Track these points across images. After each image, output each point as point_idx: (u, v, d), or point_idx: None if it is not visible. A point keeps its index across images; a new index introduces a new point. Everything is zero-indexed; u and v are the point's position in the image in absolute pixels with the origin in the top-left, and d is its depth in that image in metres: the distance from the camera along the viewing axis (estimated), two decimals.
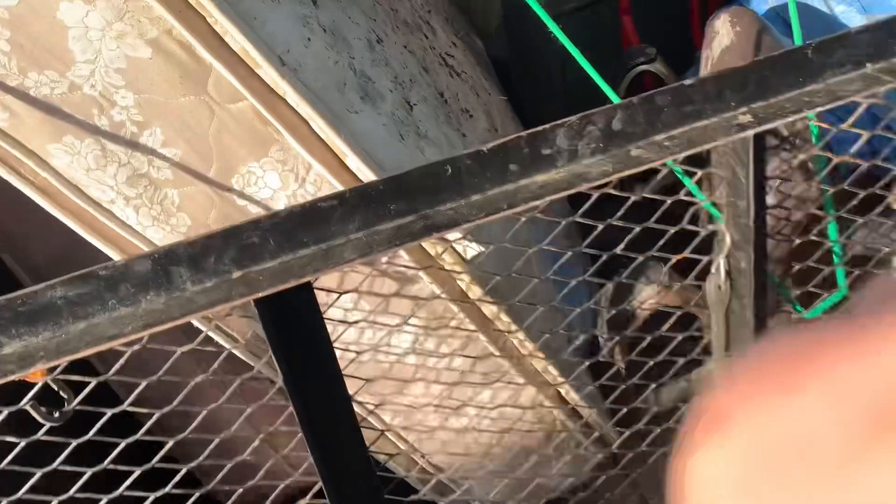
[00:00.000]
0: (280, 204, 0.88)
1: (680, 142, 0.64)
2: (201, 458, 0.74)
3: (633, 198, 0.75)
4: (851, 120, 0.77)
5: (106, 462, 0.67)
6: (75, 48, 0.76)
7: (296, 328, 0.61)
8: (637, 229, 0.76)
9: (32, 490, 0.66)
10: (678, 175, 0.91)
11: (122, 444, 0.68)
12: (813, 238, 0.90)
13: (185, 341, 0.68)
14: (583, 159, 0.63)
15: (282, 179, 0.86)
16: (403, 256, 0.87)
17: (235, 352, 0.84)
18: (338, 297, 0.75)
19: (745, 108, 0.64)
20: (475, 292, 0.91)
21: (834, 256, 0.98)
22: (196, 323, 0.80)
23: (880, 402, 0.16)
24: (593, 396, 1.08)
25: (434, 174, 0.60)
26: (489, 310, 0.93)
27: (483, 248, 0.88)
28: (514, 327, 0.95)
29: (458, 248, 0.89)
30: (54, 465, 0.66)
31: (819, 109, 0.63)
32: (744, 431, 0.18)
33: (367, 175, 0.87)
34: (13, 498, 0.66)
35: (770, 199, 0.90)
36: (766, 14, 1.36)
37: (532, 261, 0.97)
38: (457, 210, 0.60)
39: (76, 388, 0.66)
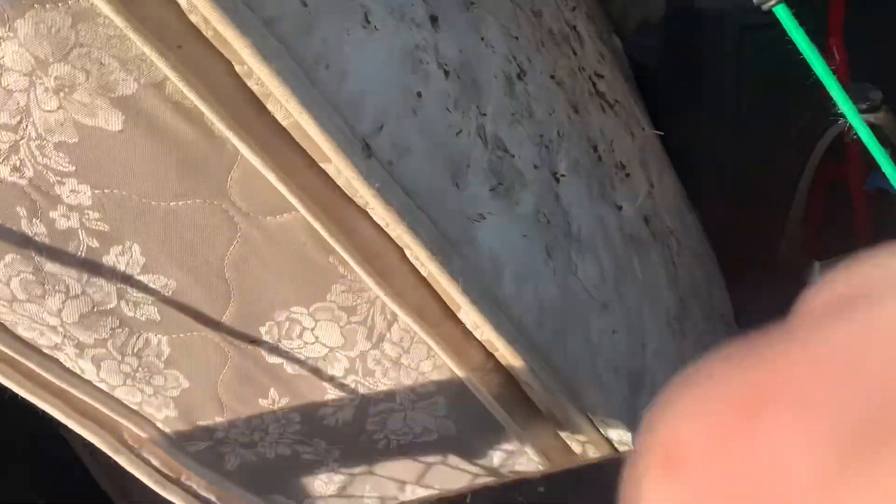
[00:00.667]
0: (338, 367, 0.52)
1: None
2: None
3: None
4: None
5: None
6: None
7: None
8: None
9: None
10: None
11: None
12: None
13: None
14: None
15: (345, 335, 0.50)
16: None
17: None
18: None
19: None
20: None
21: None
22: None
23: (853, 418, 0.14)
24: None
25: None
26: None
27: None
28: None
29: None
30: None
31: None
32: (699, 471, 0.15)
33: (495, 341, 0.50)
34: None
35: None
36: None
37: None
38: None
39: None
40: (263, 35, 0.39)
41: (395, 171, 0.45)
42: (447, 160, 0.50)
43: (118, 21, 0.37)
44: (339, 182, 0.44)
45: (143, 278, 0.46)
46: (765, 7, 0.52)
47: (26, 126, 0.40)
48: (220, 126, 0.40)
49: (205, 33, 0.39)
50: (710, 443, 0.15)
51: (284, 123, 0.42)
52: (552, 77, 0.75)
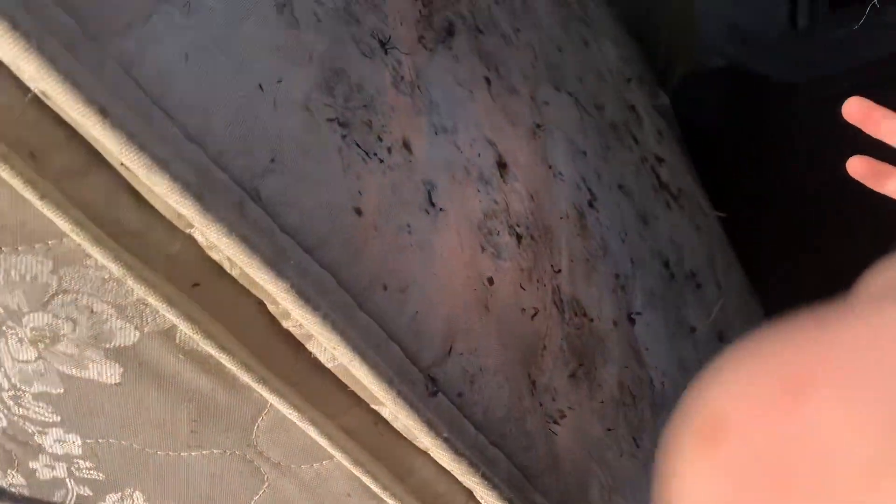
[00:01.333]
0: None
1: None
2: None
3: None
4: None
5: None
6: None
7: None
8: None
9: None
10: None
11: None
12: None
13: None
14: None
15: None
16: None
17: None
18: None
19: None
20: None
21: None
22: None
23: None
24: None
25: None
26: None
27: None
28: None
29: None
30: None
31: None
32: (741, 443, 0.15)
33: None
34: None
35: None
36: None
37: None
38: None
39: None
40: (306, 270, 0.29)
41: (466, 402, 0.35)
42: (524, 356, 0.41)
43: (115, 269, 0.27)
44: (397, 426, 0.34)
45: None
46: None
47: None
48: (245, 378, 0.31)
49: (229, 271, 0.29)
50: (754, 416, 0.15)
51: (329, 366, 0.32)
52: (620, 188, 0.65)
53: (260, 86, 0.30)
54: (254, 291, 0.30)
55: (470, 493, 0.39)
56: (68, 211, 0.26)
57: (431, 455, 0.36)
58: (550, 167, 0.53)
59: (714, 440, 0.15)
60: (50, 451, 0.34)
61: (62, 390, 0.32)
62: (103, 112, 0.25)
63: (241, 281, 0.30)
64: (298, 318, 0.30)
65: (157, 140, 0.26)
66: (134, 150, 0.25)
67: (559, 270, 0.48)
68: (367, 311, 0.32)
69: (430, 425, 0.33)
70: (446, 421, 0.34)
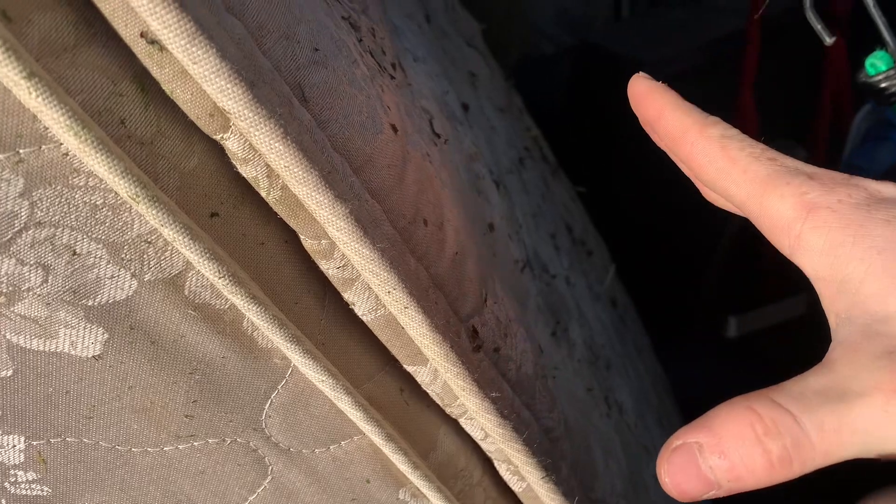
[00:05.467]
0: None
1: None
2: None
3: None
4: None
5: None
6: None
7: None
8: None
9: None
10: None
11: None
12: None
13: None
14: None
15: None
16: None
17: None
18: None
19: None
20: None
21: None
22: None
23: None
24: None
25: None
26: None
27: None
28: None
29: None
30: None
31: None
32: None
33: None
34: None
35: None
36: None
37: None
38: None
39: None
40: (360, 195, 0.23)
41: (501, 358, 0.30)
42: (523, 311, 0.36)
43: (124, 188, 0.20)
44: (432, 389, 0.29)
45: None
46: (884, 103, 0.42)
47: None
48: (273, 335, 0.24)
49: (264, 194, 0.22)
50: None
51: (368, 318, 0.26)
52: (527, 149, 0.63)
53: None
54: (291, 222, 0.23)
55: (485, 467, 0.34)
56: (64, 99, 0.18)
57: (462, 423, 0.31)
58: (489, 119, 0.49)
59: None
60: None
61: (9, 372, 0.23)
62: None
63: (276, 207, 0.23)
64: (350, 254, 0.23)
65: (198, 2, 0.19)
66: (173, 7, 0.18)
67: (521, 225, 0.44)
68: (411, 249, 0.26)
69: (479, 384, 0.28)
70: (488, 379, 0.29)
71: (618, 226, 1.01)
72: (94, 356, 0.23)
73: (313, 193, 0.22)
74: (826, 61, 0.98)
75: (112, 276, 0.22)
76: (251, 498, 0.29)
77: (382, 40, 0.31)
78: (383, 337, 0.27)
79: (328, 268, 0.24)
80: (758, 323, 1.08)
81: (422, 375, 0.28)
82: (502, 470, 0.33)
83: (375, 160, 0.24)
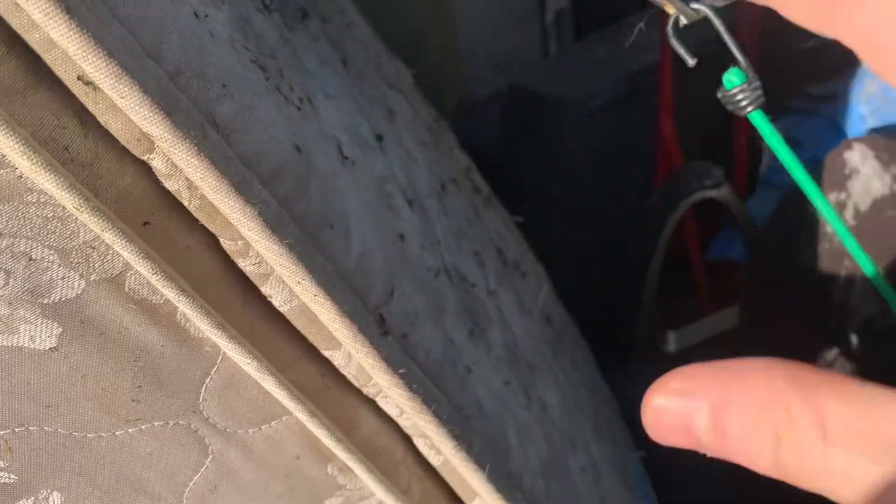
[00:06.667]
0: None
1: None
2: None
3: None
4: None
5: None
6: None
7: None
8: None
9: None
10: None
11: None
12: None
13: None
14: None
15: None
16: None
17: None
18: None
19: None
20: None
21: None
22: None
23: None
24: None
25: None
26: None
27: None
28: None
29: None
30: None
31: None
32: None
33: None
34: None
35: None
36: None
37: None
38: None
39: None
40: (267, 200, 0.28)
41: (409, 344, 0.35)
42: (439, 313, 0.41)
43: (70, 202, 0.24)
44: (348, 371, 0.33)
45: None
46: (740, 114, 0.49)
47: None
48: (201, 324, 0.29)
49: (186, 204, 0.27)
50: None
51: (284, 309, 0.31)
52: (454, 181, 0.68)
53: (195, 13, 0.29)
54: (210, 227, 0.28)
55: (406, 446, 0.38)
56: (18, 131, 0.23)
57: (378, 402, 0.35)
58: (408, 151, 0.55)
59: None
60: None
61: None
62: (69, 11, 0.22)
63: (197, 214, 0.28)
64: (262, 251, 0.28)
65: (121, 48, 0.24)
66: (102, 55, 0.23)
67: (439, 241, 0.50)
68: (319, 249, 0.31)
69: (388, 362, 0.33)
70: (399, 360, 0.34)
71: (555, 252, 1.07)
72: (50, 348, 0.27)
73: (226, 200, 0.27)
74: None
75: (63, 277, 0.26)
76: (195, 477, 0.33)
77: (290, 79, 0.36)
78: (299, 325, 0.32)
79: (245, 265, 0.29)
80: (695, 336, 1.14)
81: (337, 359, 0.33)
82: (420, 445, 0.37)
83: (281, 174, 0.29)
